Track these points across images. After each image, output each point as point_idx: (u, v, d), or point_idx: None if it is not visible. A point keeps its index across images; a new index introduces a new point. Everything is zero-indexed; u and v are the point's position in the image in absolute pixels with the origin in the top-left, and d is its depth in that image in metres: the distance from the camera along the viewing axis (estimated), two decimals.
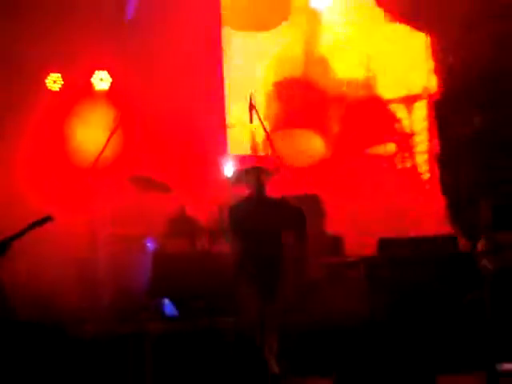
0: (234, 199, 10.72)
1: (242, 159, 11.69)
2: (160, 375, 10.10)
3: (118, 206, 12.73)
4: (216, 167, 12.94)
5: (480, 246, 10.07)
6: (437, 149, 13.67)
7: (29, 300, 10.93)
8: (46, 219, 9.65)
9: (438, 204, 13.28)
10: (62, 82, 13.50)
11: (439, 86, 14.16)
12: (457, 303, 10.55)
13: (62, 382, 8.34)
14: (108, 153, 12.37)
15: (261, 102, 13.56)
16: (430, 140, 14.17)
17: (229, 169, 12.61)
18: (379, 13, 14.44)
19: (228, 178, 12.20)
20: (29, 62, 13.00)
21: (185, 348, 9.34)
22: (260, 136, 12.91)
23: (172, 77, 13.71)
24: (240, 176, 10.75)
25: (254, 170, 10.45)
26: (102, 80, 13.60)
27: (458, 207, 12.56)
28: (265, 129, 11.96)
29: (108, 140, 12.13)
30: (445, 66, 13.71)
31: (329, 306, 11.03)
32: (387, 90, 14.64)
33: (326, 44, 14.58)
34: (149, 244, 11.94)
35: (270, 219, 10.02)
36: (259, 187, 10.24)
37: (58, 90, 13.52)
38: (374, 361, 7.46)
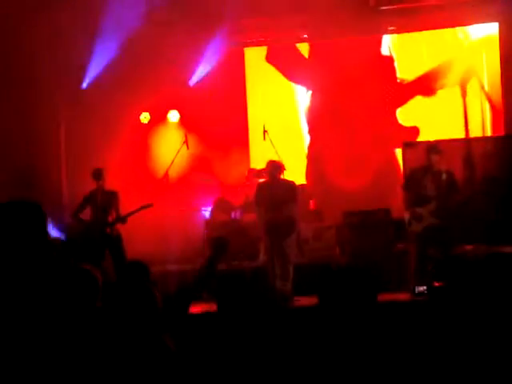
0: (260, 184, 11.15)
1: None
2: None
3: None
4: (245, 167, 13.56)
5: (407, 215, 10.50)
6: None
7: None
8: (150, 205, 10.98)
9: None
10: (149, 118, 14.07)
11: None
12: (391, 251, 11.44)
13: None
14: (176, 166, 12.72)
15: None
16: None
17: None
18: None
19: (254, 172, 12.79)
20: (129, 106, 13.61)
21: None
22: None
23: (218, 111, 13.79)
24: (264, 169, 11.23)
25: (271, 163, 11.01)
26: (173, 116, 14.13)
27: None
28: (273, 145, 12.30)
29: (175, 156, 12.50)
30: None
31: (314, 254, 12.13)
32: None
33: None
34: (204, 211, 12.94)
35: (279, 194, 10.65)
36: (273, 174, 10.83)
37: (147, 122, 14.09)
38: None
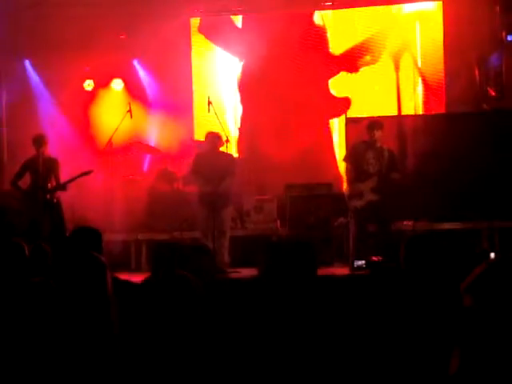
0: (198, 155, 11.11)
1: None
2: None
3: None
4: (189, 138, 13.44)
5: (348, 190, 10.62)
6: None
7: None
8: (89, 172, 10.86)
9: None
10: (93, 85, 13.98)
11: None
12: (332, 225, 11.48)
13: None
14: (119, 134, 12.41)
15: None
16: None
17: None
18: None
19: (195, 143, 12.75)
20: (73, 73, 13.51)
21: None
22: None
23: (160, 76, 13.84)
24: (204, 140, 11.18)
25: (210, 135, 11.07)
26: (118, 84, 14.09)
27: None
28: (217, 117, 11.95)
29: (119, 125, 12.24)
30: None
31: (255, 226, 12.11)
32: None
33: None
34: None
35: (217, 166, 10.62)
36: (212, 146, 10.86)
37: (90, 90, 13.99)
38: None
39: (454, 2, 13.06)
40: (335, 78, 12.96)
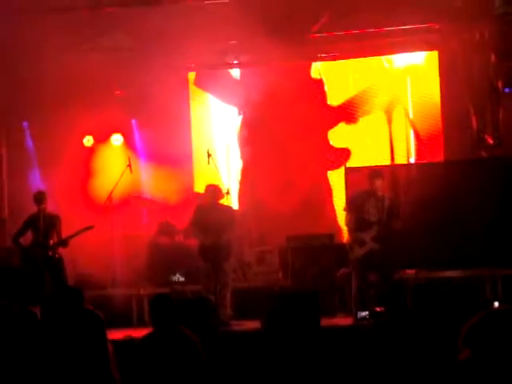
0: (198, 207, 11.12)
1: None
2: None
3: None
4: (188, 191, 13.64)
5: (349, 240, 10.60)
6: None
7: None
8: (91, 227, 10.90)
9: None
10: (93, 141, 14.10)
11: None
12: (334, 276, 11.37)
13: None
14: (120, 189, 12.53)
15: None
16: None
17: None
18: None
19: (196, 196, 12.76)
20: (73, 129, 13.53)
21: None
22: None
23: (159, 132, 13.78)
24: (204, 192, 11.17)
25: (210, 187, 11.08)
26: (117, 140, 14.18)
27: None
28: (217, 169, 12.19)
29: (119, 180, 12.36)
30: None
31: (257, 278, 12.18)
32: None
33: None
34: None
35: (217, 219, 10.63)
36: (212, 198, 10.87)
37: (90, 145, 14.11)
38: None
39: (450, 52, 13.24)
40: (334, 129, 13.10)
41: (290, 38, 12.98)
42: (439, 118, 13.14)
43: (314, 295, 8.36)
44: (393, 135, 12.90)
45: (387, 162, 12.96)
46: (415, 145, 13.05)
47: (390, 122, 12.93)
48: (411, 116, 12.90)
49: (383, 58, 13.01)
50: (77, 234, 10.92)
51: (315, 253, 11.73)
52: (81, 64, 13.02)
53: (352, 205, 10.81)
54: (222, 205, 11.11)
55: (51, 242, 11.01)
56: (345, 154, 13.17)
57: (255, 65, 14.04)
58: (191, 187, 14.12)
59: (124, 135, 14.30)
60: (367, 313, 9.98)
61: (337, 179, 13.12)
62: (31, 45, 12.27)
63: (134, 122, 14.37)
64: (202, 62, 14.29)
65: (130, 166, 12.56)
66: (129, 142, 14.29)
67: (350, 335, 8.10)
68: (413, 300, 4.87)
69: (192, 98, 14.58)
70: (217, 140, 14.13)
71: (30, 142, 14.30)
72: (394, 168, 12.58)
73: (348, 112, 12.73)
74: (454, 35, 13.12)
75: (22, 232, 11.21)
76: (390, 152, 13.01)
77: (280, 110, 12.87)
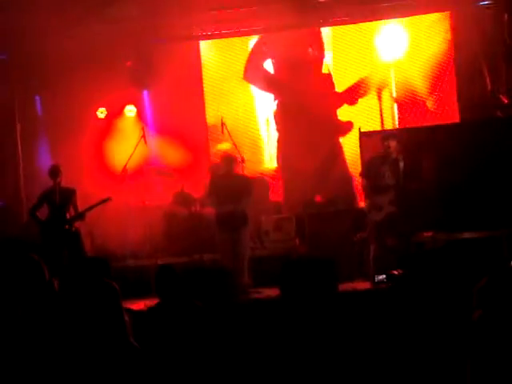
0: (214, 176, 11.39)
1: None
2: None
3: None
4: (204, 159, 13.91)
5: (366, 204, 10.76)
6: None
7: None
8: (107, 199, 10.96)
9: None
10: (106, 113, 14.08)
11: None
12: (351, 240, 11.48)
13: None
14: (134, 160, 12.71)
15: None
16: None
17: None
18: None
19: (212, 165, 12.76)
20: (86, 101, 13.52)
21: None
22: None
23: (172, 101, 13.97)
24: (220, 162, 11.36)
25: (225, 156, 11.30)
26: (130, 111, 14.19)
27: None
28: (231, 138, 12.54)
29: (133, 151, 12.51)
30: None
31: (275, 245, 12.13)
32: None
33: None
34: None
35: (233, 187, 10.75)
36: (227, 167, 11.01)
37: (103, 117, 14.10)
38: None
39: (462, 12, 13.33)
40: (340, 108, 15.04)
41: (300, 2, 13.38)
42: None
43: (332, 261, 8.37)
44: (382, 110, 14.62)
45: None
46: (398, 116, 14.56)
47: (380, 100, 14.62)
48: (394, 95, 14.59)
49: (375, 52, 14.52)
50: (94, 206, 10.95)
51: (332, 218, 11.76)
52: (91, 36, 13.15)
53: (367, 170, 10.83)
54: (238, 173, 11.16)
55: (68, 215, 11.03)
56: (350, 124, 14.65)
57: (267, 32, 14.54)
58: (206, 156, 14.16)
59: (137, 106, 14.28)
60: (385, 276, 9.97)
61: (346, 145, 14.82)
62: (41, 18, 12.19)
63: (145, 92, 14.35)
64: (214, 30, 14.39)
65: (144, 137, 12.56)
66: (142, 114, 14.28)
67: (367, 299, 8.12)
68: (431, 262, 4.85)
69: (204, 67, 14.79)
70: (231, 108, 14.69)
71: (41, 116, 14.25)
72: (408, 131, 12.58)
73: (349, 96, 14.88)
74: None
75: (37, 206, 11.20)
76: (381, 122, 14.60)
77: (304, 97, 14.54)
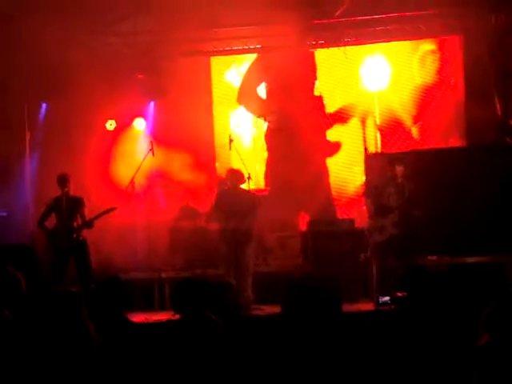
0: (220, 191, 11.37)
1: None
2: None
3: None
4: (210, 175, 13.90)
5: (370, 225, 10.62)
6: None
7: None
8: (113, 209, 10.88)
9: None
10: (115, 125, 14.12)
11: None
12: (355, 261, 11.39)
13: None
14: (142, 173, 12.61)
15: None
16: None
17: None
18: None
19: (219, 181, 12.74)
20: (95, 113, 13.63)
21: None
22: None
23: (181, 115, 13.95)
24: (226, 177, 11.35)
25: (231, 172, 11.27)
26: (139, 124, 14.22)
27: None
28: (238, 154, 12.31)
29: (141, 163, 12.38)
30: None
31: (278, 262, 12.26)
32: None
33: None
34: None
35: (239, 203, 10.76)
36: (234, 183, 11.00)
37: (112, 129, 14.13)
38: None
39: (474, 37, 13.31)
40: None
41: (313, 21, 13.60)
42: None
43: (336, 280, 8.29)
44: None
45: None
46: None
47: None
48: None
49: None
50: (100, 215, 10.88)
51: (336, 238, 11.68)
52: (103, 48, 13.26)
53: (372, 190, 10.84)
54: (244, 189, 11.15)
55: (75, 224, 10.98)
56: (337, 145, 14.89)
57: (277, 49, 14.58)
58: (213, 172, 14.19)
59: (146, 119, 14.32)
60: (389, 298, 9.96)
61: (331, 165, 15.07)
62: (54, 28, 12.23)
63: (154, 105, 14.39)
64: (224, 46, 14.51)
65: (152, 150, 12.49)
66: (150, 126, 14.30)
67: (371, 320, 8.08)
68: (435, 286, 4.82)
69: (214, 83, 14.96)
70: (239, 126, 15.00)
71: (46, 124, 14.24)
72: (413, 154, 12.49)
73: (340, 116, 15.04)
74: (477, 20, 13.14)
75: (46, 215, 11.15)
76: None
77: (295, 119, 14.70)
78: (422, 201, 10.50)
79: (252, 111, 15.13)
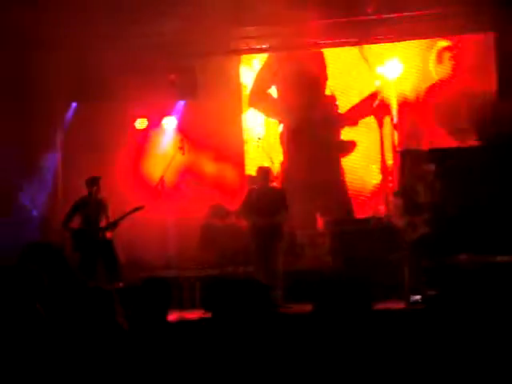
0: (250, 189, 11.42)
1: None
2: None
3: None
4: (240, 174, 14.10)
5: (401, 223, 10.53)
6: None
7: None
8: (141, 207, 11.02)
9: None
10: (146, 124, 14.21)
11: None
12: (385, 259, 11.23)
13: None
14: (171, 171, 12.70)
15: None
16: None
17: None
18: None
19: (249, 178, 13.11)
20: (125, 113, 13.82)
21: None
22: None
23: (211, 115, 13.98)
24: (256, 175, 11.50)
25: (261, 170, 11.40)
26: (169, 122, 14.24)
27: None
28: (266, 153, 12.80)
29: (170, 162, 12.29)
30: None
31: (309, 260, 12.28)
32: None
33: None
34: None
35: (268, 201, 10.87)
36: (263, 181, 11.11)
37: (143, 128, 14.22)
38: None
39: (508, 34, 13.22)
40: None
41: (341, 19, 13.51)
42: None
43: (367, 279, 8.20)
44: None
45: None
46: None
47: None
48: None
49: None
50: (126, 215, 11.00)
51: (367, 236, 11.74)
52: (134, 48, 13.30)
53: (403, 188, 10.83)
54: (274, 187, 11.28)
55: (101, 224, 11.10)
56: (353, 144, 14.78)
57: (303, 48, 14.68)
58: (242, 170, 14.22)
59: (176, 118, 14.32)
60: (420, 297, 9.92)
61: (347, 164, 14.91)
62: (87, 28, 12.39)
63: (185, 104, 14.40)
64: (256, 44, 14.54)
65: (182, 148, 12.47)
66: (181, 125, 14.29)
67: (402, 319, 8.02)
68: (467, 285, 4.76)
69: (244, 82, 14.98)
70: (267, 124, 15.00)
71: (75, 123, 14.33)
72: (445, 152, 12.42)
73: (351, 117, 14.97)
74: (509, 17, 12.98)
75: (70, 216, 11.28)
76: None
77: (308, 119, 14.70)
78: (453, 199, 10.55)
79: (266, 113, 15.06)
